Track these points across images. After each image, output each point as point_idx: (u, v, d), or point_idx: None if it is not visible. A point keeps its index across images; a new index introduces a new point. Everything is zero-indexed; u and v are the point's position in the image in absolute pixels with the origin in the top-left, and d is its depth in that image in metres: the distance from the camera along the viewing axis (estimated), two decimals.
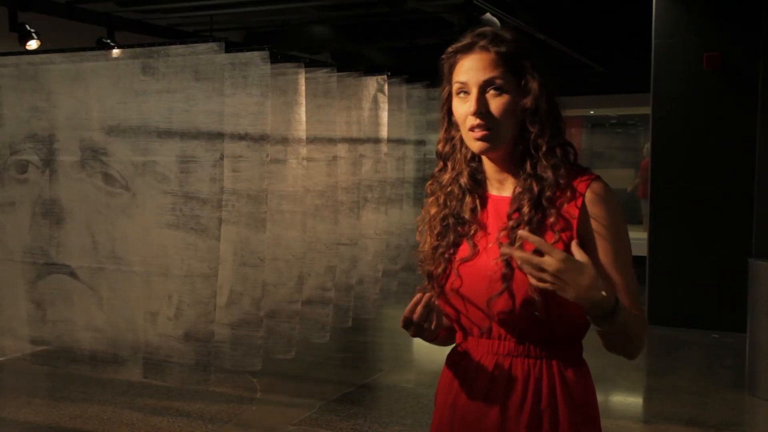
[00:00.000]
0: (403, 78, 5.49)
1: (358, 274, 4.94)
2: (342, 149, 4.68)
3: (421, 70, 5.95)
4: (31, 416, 4.62)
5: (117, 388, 4.99)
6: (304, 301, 4.20)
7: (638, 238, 7.74)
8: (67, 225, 3.80)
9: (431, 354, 5.75)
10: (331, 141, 4.47)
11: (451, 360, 1.62)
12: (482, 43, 1.49)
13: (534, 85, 1.48)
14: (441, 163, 1.64)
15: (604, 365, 5.04)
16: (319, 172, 4.42)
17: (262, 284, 3.73)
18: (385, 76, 5.06)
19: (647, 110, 7.01)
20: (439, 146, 1.63)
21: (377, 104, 5.01)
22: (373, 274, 5.09)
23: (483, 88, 1.47)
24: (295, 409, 4.70)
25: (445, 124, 1.61)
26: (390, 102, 5.16)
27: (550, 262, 1.31)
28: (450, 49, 1.54)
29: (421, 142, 5.97)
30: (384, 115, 5.05)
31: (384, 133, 5.06)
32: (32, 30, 6.23)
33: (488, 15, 6.80)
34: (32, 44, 6.20)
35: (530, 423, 1.48)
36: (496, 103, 1.47)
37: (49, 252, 3.85)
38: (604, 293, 1.34)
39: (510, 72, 1.48)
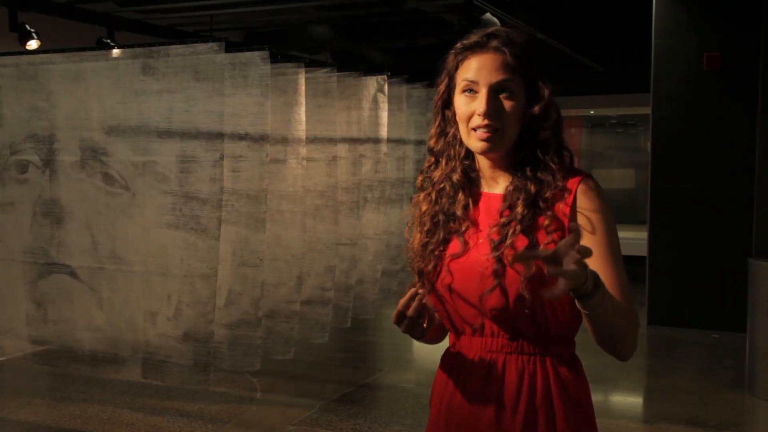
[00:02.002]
0: (403, 78, 5.49)
1: (358, 274, 4.94)
2: (342, 149, 4.68)
3: (421, 70, 5.94)
4: (31, 416, 4.62)
5: (117, 388, 4.99)
6: (303, 301, 4.20)
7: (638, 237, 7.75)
8: (68, 225, 3.80)
9: (431, 354, 5.74)
10: (331, 141, 4.47)
11: (445, 360, 1.62)
12: (495, 43, 1.48)
13: (545, 92, 1.49)
14: (432, 159, 1.62)
15: (603, 365, 5.04)
16: (319, 172, 4.42)
17: (261, 284, 3.74)
18: (385, 76, 5.06)
19: (647, 110, 7.01)
20: (431, 142, 1.61)
21: (377, 104, 5.01)
22: (373, 274, 5.09)
23: (493, 90, 1.46)
24: (295, 409, 4.70)
25: (439, 119, 1.59)
26: (390, 102, 5.16)
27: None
28: (459, 45, 1.52)
29: (421, 142, 5.96)
30: (384, 115, 5.05)
31: (384, 133, 5.06)
32: (32, 30, 6.23)
33: (488, 15, 6.81)
34: (32, 44, 6.20)
35: (526, 420, 1.47)
36: (505, 106, 1.46)
37: (49, 252, 3.85)
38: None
39: (520, 75, 1.47)
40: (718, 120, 6.60)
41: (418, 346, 6.17)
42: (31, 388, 5.19)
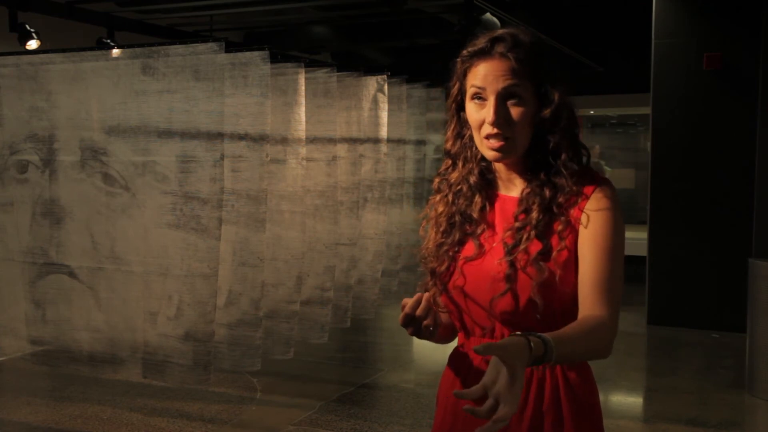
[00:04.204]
0: (403, 78, 5.49)
1: (358, 274, 4.94)
2: (342, 149, 4.67)
3: (421, 70, 5.95)
4: (31, 416, 4.62)
5: (117, 388, 4.99)
6: (303, 302, 4.20)
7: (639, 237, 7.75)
8: (67, 225, 3.80)
9: (431, 354, 5.76)
10: (331, 141, 4.47)
11: (453, 360, 1.61)
12: (500, 48, 1.44)
13: (555, 96, 1.45)
14: (449, 161, 1.60)
15: (604, 365, 5.03)
16: (319, 172, 4.42)
17: (261, 284, 3.73)
18: (385, 76, 5.06)
19: (647, 110, 7.01)
20: (448, 144, 1.59)
21: (377, 104, 5.01)
22: (373, 275, 5.09)
23: (501, 97, 1.44)
24: (295, 409, 4.70)
25: (454, 121, 1.57)
26: (390, 102, 5.15)
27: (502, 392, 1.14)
28: (465, 53, 1.49)
29: (421, 142, 5.96)
30: (384, 115, 5.05)
31: (384, 133, 5.05)
32: (32, 30, 6.22)
33: (488, 15, 6.81)
34: (32, 44, 6.19)
35: (532, 424, 1.47)
36: (514, 114, 1.44)
37: (48, 252, 3.85)
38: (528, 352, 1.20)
39: (528, 80, 1.44)
40: (718, 120, 6.60)
41: (418, 346, 6.16)
42: (31, 388, 5.19)
